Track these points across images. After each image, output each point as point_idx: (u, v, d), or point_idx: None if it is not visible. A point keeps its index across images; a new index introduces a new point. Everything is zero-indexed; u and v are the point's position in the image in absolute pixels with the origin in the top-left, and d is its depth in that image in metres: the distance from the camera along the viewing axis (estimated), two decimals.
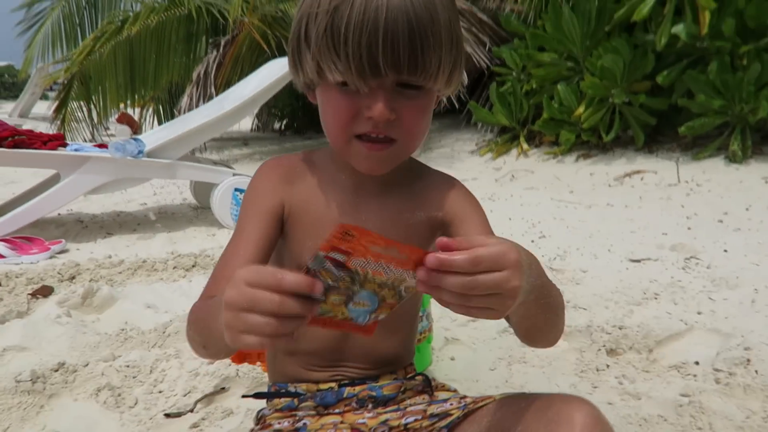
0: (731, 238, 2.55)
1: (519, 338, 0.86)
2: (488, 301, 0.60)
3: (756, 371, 1.40)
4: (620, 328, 1.66)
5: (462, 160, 5.17)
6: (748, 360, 1.44)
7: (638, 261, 2.32)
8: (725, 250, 2.38)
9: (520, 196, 3.75)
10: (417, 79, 0.76)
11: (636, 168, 3.98)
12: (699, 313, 1.77)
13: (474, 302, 0.59)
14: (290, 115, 8.53)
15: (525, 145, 4.83)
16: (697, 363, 1.49)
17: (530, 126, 4.85)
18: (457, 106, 4.89)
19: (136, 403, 1.38)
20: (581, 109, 4.21)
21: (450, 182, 0.99)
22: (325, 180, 0.94)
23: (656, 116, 4.15)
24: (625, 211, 3.18)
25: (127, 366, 1.51)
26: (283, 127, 8.80)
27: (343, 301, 0.61)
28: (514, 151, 4.92)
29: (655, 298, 1.91)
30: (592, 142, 4.42)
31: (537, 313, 0.76)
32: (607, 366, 1.50)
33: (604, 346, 1.58)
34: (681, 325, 1.68)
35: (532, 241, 2.70)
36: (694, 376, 1.44)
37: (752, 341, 1.54)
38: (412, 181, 0.96)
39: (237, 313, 0.56)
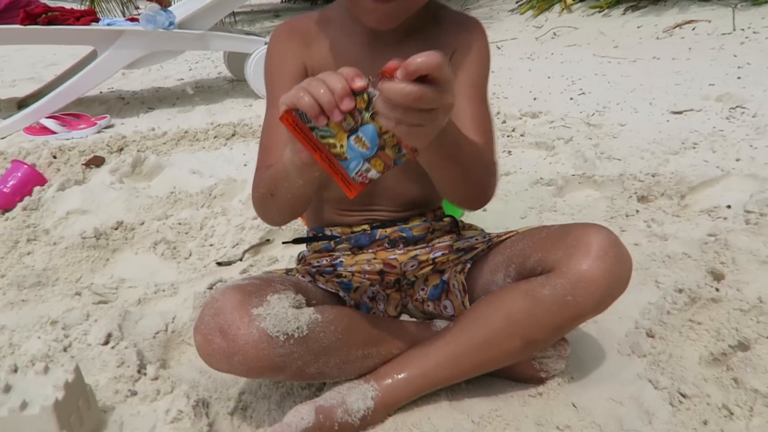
0: None
1: (440, 194, 0.91)
2: (423, 116, 0.63)
3: None
4: (653, 176, 1.66)
5: (501, 19, 4.92)
6: None
7: (680, 113, 2.25)
8: None
9: (561, 54, 3.60)
10: None
11: (688, 17, 3.71)
12: (737, 160, 1.75)
13: (411, 116, 0.62)
14: None
15: (569, 0, 4.54)
16: (729, 207, 1.50)
17: None
18: None
19: (190, 255, 1.50)
20: None
21: (470, 26, 0.97)
22: (342, 36, 0.94)
23: None
24: (671, 64, 3.03)
25: (179, 224, 1.62)
26: None
27: (349, 128, 0.65)
28: (557, 7, 4.63)
29: (694, 147, 1.88)
30: None
31: (451, 161, 0.79)
32: (637, 211, 1.53)
33: (635, 193, 1.60)
34: (717, 171, 1.67)
35: (571, 98, 2.64)
36: (725, 218, 1.45)
37: None
38: (431, 26, 0.95)
39: (298, 90, 0.65)
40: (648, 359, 1.00)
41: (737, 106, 2.23)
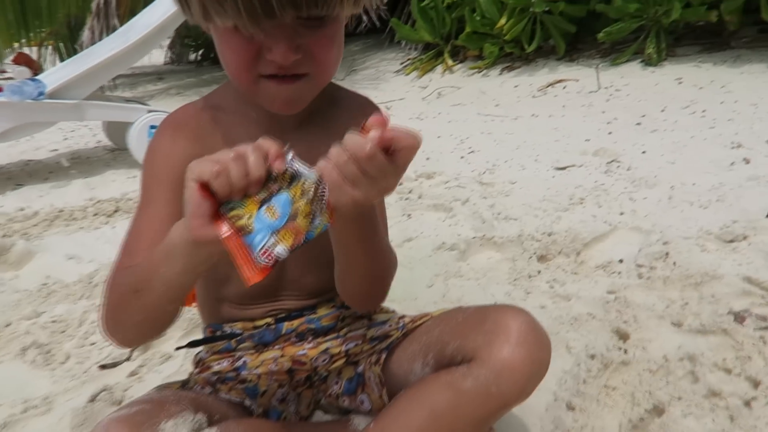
0: (648, 139, 2.65)
1: (339, 286, 0.87)
2: (363, 179, 0.61)
3: (674, 263, 1.49)
4: (549, 235, 1.72)
5: (387, 80, 5.07)
6: (667, 253, 1.53)
7: (563, 168, 2.38)
8: (643, 152, 2.48)
9: (448, 113, 3.74)
10: (319, 11, 0.67)
11: (558, 77, 4.02)
12: (621, 214, 1.85)
13: (352, 169, 0.61)
14: (206, 44, 8.03)
15: (450, 61, 4.78)
16: (621, 261, 1.57)
17: (454, 41, 4.78)
18: (378, 25, 4.73)
19: (67, 359, 1.32)
20: (503, 21, 4.17)
21: (365, 107, 0.95)
22: (236, 125, 0.85)
23: (576, 24, 4.16)
24: (549, 121, 3.24)
25: (54, 321, 1.44)
26: (199, 57, 8.30)
27: (261, 200, 0.61)
28: (440, 68, 4.86)
29: (581, 203, 1.98)
30: (515, 54, 4.42)
31: (364, 245, 0.78)
32: (539, 272, 1.56)
33: (534, 253, 1.64)
34: (605, 226, 1.76)
35: (462, 157, 2.72)
36: (619, 273, 1.52)
37: (670, 236, 1.63)
38: (329, 108, 0.91)
39: (212, 164, 0.61)
40: None
41: (613, 161, 2.40)
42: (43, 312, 1.49)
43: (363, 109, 0.93)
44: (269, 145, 0.62)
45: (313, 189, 0.62)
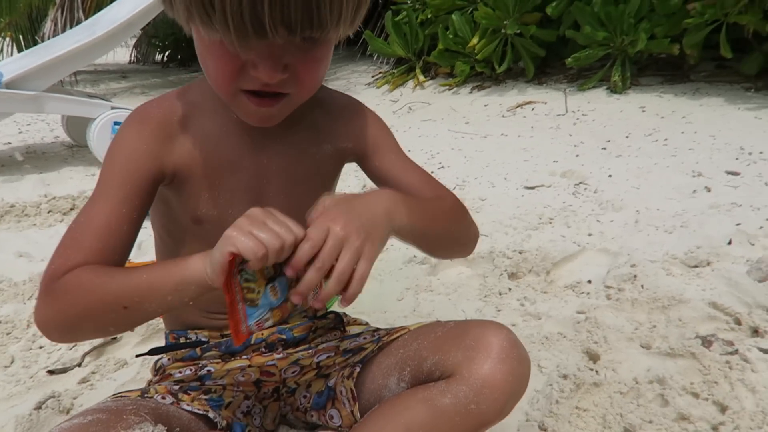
0: (614, 163, 2.70)
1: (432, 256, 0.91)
2: (349, 260, 0.64)
3: (642, 286, 1.50)
4: (520, 252, 1.71)
5: (358, 92, 5.06)
6: (635, 276, 1.54)
7: (533, 188, 2.40)
8: (609, 176, 2.52)
9: (418, 128, 3.75)
10: (313, 33, 0.62)
11: (527, 99, 4.09)
12: (590, 235, 1.87)
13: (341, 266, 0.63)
14: (173, 45, 7.89)
15: (421, 77, 4.80)
16: (589, 281, 1.58)
17: (426, 57, 4.81)
18: (351, 37, 4.72)
19: (12, 362, 1.24)
20: (475, 40, 4.22)
21: (354, 108, 0.93)
22: (213, 125, 0.80)
23: (545, 48, 4.25)
24: (518, 141, 3.27)
25: (0, 322, 1.35)
26: (165, 58, 8.15)
27: (270, 276, 0.66)
28: (411, 83, 4.88)
29: (550, 223, 1.99)
30: (485, 74, 4.47)
31: (426, 234, 0.80)
32: (509, 289, 1.55)
33: (505, 270, 1.63)
34: (574, 246, 1.76)
35: (432, 172, 2.71)
36: (588, 294, 1.52)
37: (637, 258, 1.65)
38: (314, 111, 0.88)
39: (254, 221, 0.63)
40: None
41: (580, 183, 2.43)
42: None
43: (349, 110, 0.91)
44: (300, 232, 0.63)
45: None
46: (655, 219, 1.95)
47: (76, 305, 0.68)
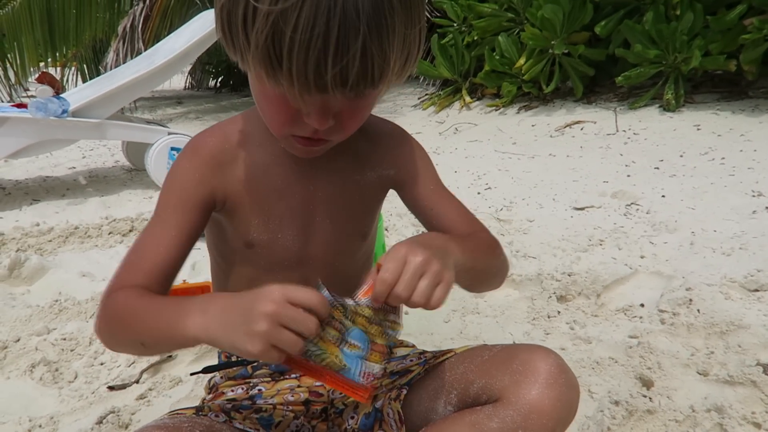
0: (668, 183, 2.63)
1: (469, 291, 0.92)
2: (429, 284, 0.65)
3: (698, 310, 1.45)
4: (569, 275, 1.69)
5: (405, 114, 5.11)
6: (690, 300, 1.50)
7: (582, 209, 2.36)
8: (663, 196, 2.45)
9: (465, 149, 3.75)
10: (366, 89, 0.65)
11: (576, 118, 4.03)
12: (642, 257, 1.82)
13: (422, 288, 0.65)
14: (226, 71, 8.19)
15: (467, 98, 4.81)
16: (642, 305, 1.53)
17: (472, 78, 4.82)
18: None
19: (75, 378, 1.30)
20: (522, 61, 4.21)
21: (397, 136, 0.95)
22: (264, 154, 0.85)
23: (594, 67, 4.19)
24: (567, 161, 3.23)
25: (64, 339, 1.42)
26: (218, 84, 8.45)
27: (338, 339, 0.65)
28: (457, 104, 4.89)
29: (600, 245, 1.95)
30: (533, 94, 4.44)
31: (472, 269, 0.79)
32: (558, 312, 1.52)
33: (554, 293, 1.61)
34: (626, 269, 1.72)
35: (479, 193, 2.71)
36: (640, 317, 1.48)
37: (693, 282, 1.60)
38: (359, 139, 0.90)
39: (275, 326, 0.59)
40: None
41: (632, 203, 2.37)
42: (53, 329, 1.48)
43: (393, 137, 0.93)
44: (308, 297, 0.62)
45: (372, 312, 0.68)
46: (712, 241, 1.89)
47: (115, 323, 0.75)
